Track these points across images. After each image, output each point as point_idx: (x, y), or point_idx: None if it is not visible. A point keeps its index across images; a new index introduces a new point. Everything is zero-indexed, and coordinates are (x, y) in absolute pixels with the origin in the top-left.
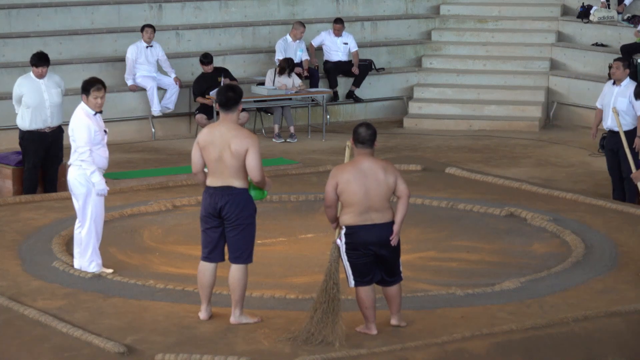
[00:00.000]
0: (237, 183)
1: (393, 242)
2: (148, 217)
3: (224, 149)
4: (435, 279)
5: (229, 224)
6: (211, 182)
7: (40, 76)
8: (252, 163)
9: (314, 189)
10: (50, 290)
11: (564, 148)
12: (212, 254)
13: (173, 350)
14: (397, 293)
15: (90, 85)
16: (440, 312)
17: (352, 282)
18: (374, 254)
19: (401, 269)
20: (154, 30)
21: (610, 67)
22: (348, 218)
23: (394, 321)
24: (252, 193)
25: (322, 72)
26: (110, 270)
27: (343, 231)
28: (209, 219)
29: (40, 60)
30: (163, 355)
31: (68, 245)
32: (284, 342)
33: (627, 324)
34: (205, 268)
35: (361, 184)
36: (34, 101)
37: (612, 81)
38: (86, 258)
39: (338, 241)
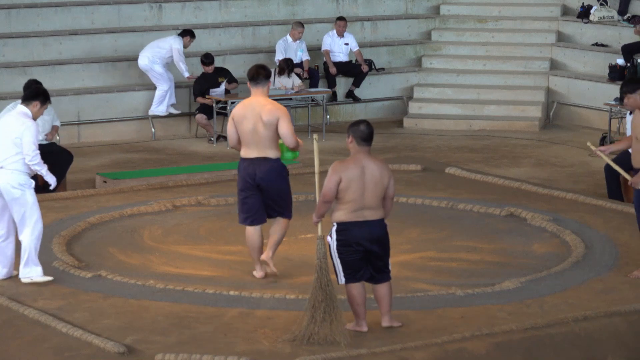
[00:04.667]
0: (272, 153)
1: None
2: (148, 217)
3: (257, 121)
4: (435, 279)
5: (267, 192)
6: (246, 153)
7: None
8: (285, 131)
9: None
10: (50, 290)
11: (564, 148)
12: (255, 219)
13: (173, 350)
14: (387, 292)
15: (46, 99)
16: (440, 312)
17: (342, 279)
18: (364, 250)
19: (390, 267)
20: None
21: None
22: (341, 215)
23: (385, 322)
24: (288, 155)
25: (322, 72)
26: (51, 278)
27: (334, 228)
28: (247, 189)
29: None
30: (163, 355)
31: (68, 245)
32: (284, 342)
33: (627, 324)
34: (253, 232)
35: (361, 183)
36: None
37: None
38: (31, 264)
39: (329, 238)
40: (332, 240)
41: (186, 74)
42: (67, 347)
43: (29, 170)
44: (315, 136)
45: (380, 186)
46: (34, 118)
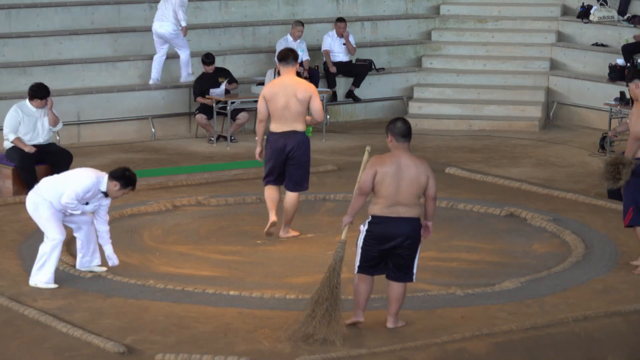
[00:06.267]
0: (300, 127)
1: (425, 237)
2: (148, 217)
3: (290, 98)
4: (435, 279)
5: (293, 161)
6: (277, 127)
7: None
8: (317, 106)
9: (314, 189)
10: (50, 290)
11: (564, 148)
12: (277, 180)
13: (173, 350)
14: (401, 294)
15: (127, 184)
16: (440, 312)
17: (356, 269)
18: (388, 249)
19: (415, 270)
20: None
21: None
22: (376, 208)
23: (389, 324)
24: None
25: (322, 72)
26: (56, 286)
27: (369, 220)
28: (274, 159)
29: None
30: (163, 355)
31: (68, 245)
32: (284, 342)
33: (627, 324)
34: (272, 188)
35: (396, 179)
36: (27, 131)
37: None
38: (44, 273)
39: (362, 227)
40: (363, 230)
41: (184, 23)
42: (67, 347)
43: (58, 207)
44: (368, 148)
45: (416, 184)
46: (109, 196)
